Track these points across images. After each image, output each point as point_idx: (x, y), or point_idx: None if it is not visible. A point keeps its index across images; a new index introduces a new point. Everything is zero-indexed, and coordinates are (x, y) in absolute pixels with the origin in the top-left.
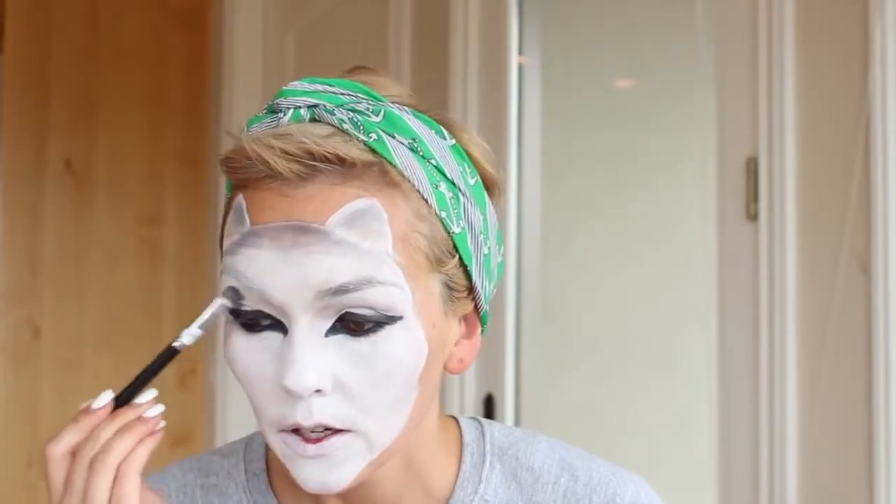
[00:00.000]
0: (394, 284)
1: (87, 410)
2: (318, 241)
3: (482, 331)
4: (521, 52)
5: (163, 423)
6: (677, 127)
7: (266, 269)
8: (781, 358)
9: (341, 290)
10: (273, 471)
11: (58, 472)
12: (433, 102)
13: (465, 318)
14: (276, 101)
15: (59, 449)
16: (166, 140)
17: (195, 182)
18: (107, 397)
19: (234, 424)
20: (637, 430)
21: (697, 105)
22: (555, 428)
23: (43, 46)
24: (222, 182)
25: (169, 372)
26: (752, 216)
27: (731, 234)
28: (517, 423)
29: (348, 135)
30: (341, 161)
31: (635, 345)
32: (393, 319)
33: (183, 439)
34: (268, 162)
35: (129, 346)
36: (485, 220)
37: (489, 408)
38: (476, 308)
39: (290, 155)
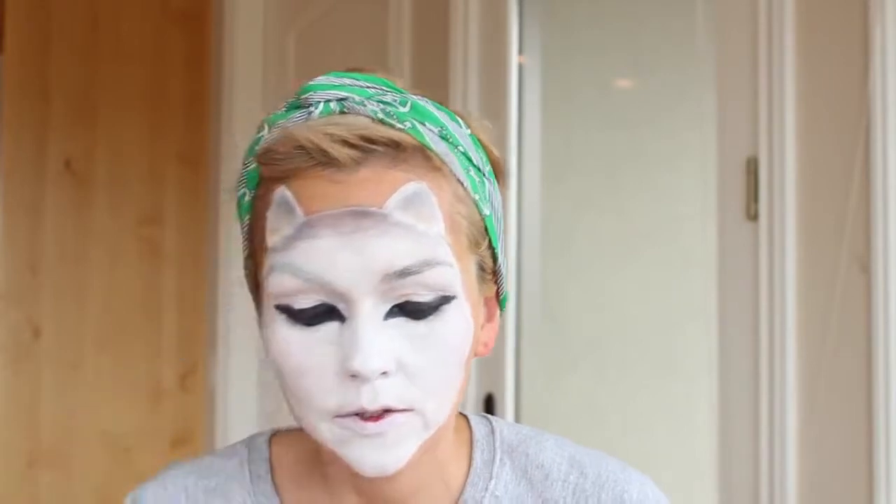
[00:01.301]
0: (449, 265)
1: None
2: (377, 224)
3: (500, 313)
4: (521, 52)
5: None
6: (677, 127)
7: (327, 258)
8: (781, 358)
9: (405, 273)
10: (278, 473)
11: None
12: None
13: (486, 301)
14: (304, 95)
15: None
16: (166, 140)
17: (195, 182)
18: None
19: (234, 424)
20: (637, 430)
21: (697, 105)
22: (555, 428)
23: (43, 46)
24: (222, 182)
25: (169, 372)
26: (752, 216)
27: (731, 234)
28: (517, 422)
29: (388, 124)
30: (395, 145)
31: (635, 345)
32: (448, 300)
33: (183, 439)
34: (325, 150)
35: (129, 346)
36: (500, 204)
37: (489, 408)
38: (497, 291)
39: (345, 141)
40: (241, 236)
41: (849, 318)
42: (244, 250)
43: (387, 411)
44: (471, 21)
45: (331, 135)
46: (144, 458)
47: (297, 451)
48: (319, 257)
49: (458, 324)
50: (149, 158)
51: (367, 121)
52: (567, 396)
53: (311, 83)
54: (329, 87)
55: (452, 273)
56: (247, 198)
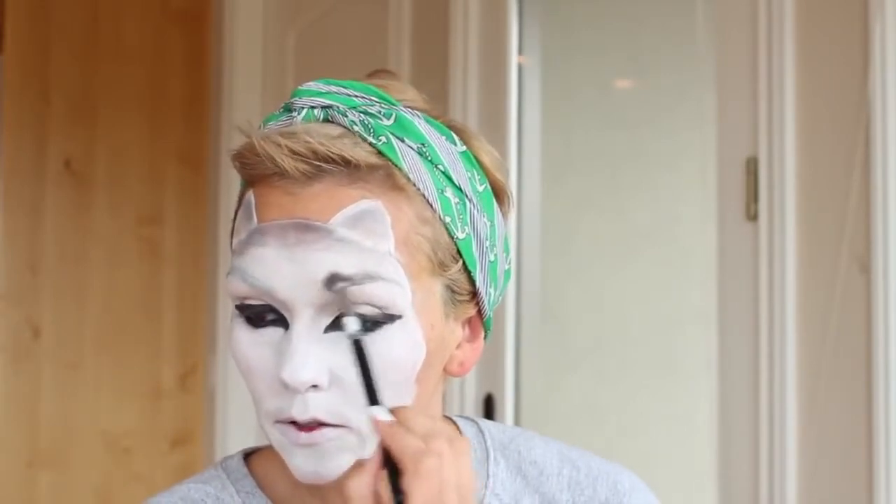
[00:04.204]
0: (395, 282)
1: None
2: (320, 239)
3: (485, 336)
4: (521, 52)
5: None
6: (677, 127)
7: (271, 267)
8: (781, 358)
9: (345, 283)
10: (266, 487)
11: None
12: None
13: (469, 322)
14: (291, 100)
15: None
16: (166, 140)
17: (195, 182)
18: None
19: (234, 424)
20: (637, 430)
21: (697, 105)
22: (555, 428)
23: (43, 46)
24: (222, 182)
25: (169, 372)
26: (752, 216)
27: (731, 234)
28: (517, 423)
29: (358, 137)
30: (346, 162)
31: (635, 345)
32: (392, 318)
33: (183, 439)
34: (275, 159)
35: (129, 346)
36: (492, 227)
37: (489, 408)
38: (480, 313)
39: (296, 154)
40: None
41: (849, 318)
42: None
43: (319, 424)
44: (471, 21)
45: (284, 147)
46: (144, 458)
47: (281, 463)
48: (264, 266)
49: (401, 344)
50: (149, 158)
51: (339, 131)
52: (567, 396)
53: (301, 88)
54: (316, 93)
55: (399, 291)
56: (238, 194)
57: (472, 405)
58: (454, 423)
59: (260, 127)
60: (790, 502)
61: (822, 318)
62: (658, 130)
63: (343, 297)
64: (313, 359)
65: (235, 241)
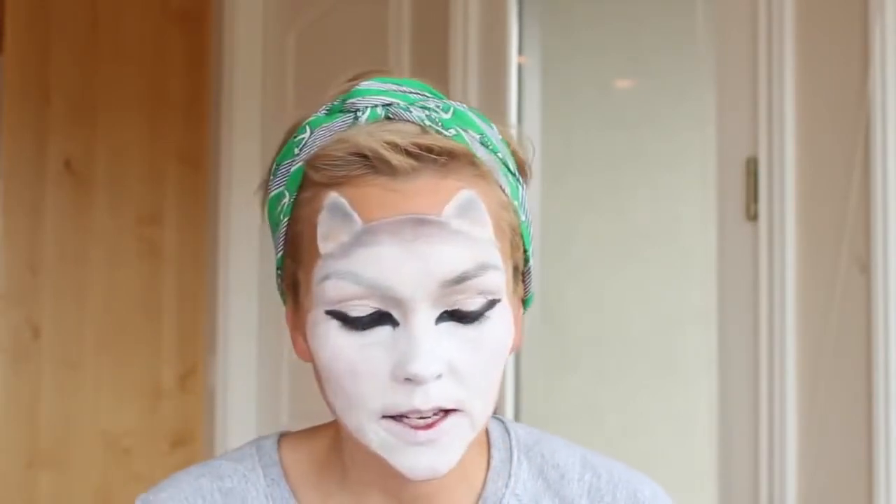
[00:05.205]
0: (499, 268)
1: None
2: (438, 232)
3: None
4: (521, 52)
5: None
6: (677, 127)
7: (388, 266)
8: (781, 358)
9: (463, 278)
10: (291, 476)
11: None
12: None
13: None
14: (351, 100)
15: None
16: (166, 140)
17: (195, 182)
18: None
19: (234, 425)
20: (637, 430)
21: (697, 105)
22: (555, 428)
23: (43, 46)
24: (222, 182)
25: (169, 372)
26: (752, 216)
27: (731, 234)
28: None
29: (436, 131)
30: (449, 153)
31: (635, 345)
32: (494, 303)
33: (183, 439)
34: (386, 158)
35: (129, 346)
36: (528, 206)
37: None
38: (524, 290)
39: (405, 149)
40: (275, 237)
41: (849, 318)
42: (278, 251)
43: (437, 412)
44: (471, 21)
45: (389, 142)
46: (144, 458)
47: (309, 453)
48: (380, 265)
49: (502, 326)
50: (149, 158)
51: (416, 128)
52: (567, 397)
53: (359, 88)
54: (376, 92)
55: (500, 276)
56: (286, 199)
57: None
58: None
59: (305, 128)
60: (790, 502)
61: (822, 318)
62: (658, 130)
63: (460, 290)
64: (435, 351)
65: (331, 245)
